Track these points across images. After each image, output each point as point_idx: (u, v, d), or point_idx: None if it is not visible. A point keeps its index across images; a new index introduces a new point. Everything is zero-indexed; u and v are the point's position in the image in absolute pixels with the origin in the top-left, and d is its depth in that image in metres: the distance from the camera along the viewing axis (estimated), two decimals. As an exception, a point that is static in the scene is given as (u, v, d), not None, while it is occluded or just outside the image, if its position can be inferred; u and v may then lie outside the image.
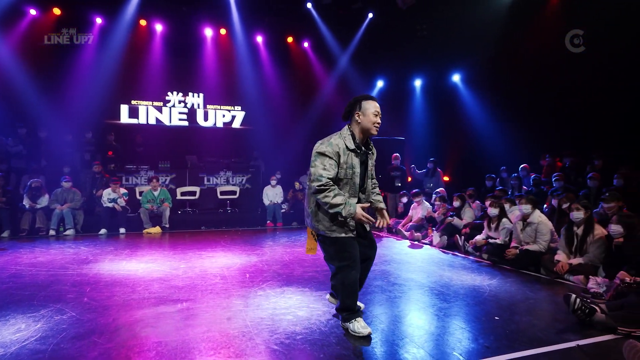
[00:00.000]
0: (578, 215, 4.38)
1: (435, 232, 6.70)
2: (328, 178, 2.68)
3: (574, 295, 3.05)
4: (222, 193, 9.60)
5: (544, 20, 8.52)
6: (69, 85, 9.73)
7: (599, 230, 4.32)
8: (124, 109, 10.56)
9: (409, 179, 10.03)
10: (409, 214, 7.85)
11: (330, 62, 11.88)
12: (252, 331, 2.88)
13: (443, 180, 9.47)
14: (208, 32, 11.03)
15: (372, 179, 3.09)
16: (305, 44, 11.92)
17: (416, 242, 6.96)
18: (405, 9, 9.57)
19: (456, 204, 6.82)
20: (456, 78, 10.80)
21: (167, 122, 10.96)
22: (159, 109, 10.90)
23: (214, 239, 7.20)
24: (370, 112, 2.81)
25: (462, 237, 6.16)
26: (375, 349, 2.62)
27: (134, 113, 10.66)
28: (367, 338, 2.75)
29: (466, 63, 10.36)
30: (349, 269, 2.80)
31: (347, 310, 2.87)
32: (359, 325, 2.81)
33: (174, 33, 10.69)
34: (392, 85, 12.26)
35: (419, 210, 7.60)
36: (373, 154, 3.02)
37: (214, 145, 10.88)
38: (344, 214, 2.67)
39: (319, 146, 2.79)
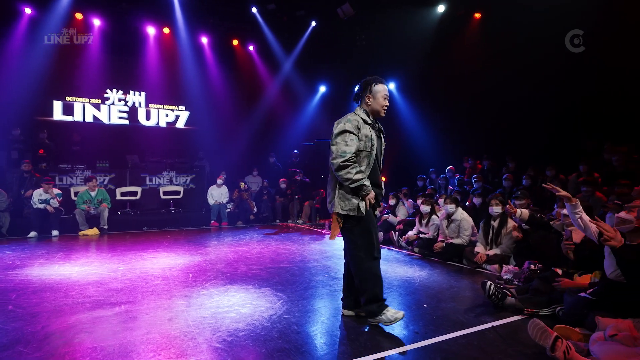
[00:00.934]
0: (497, 209, 4.76)
1: (372, 228, 6.91)
2: (351, 154, 2.66)
3: (489, 282, 3.31)
4: (165, 193, 9.14)
5: (468, 36, 9.18)
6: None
7: (511, 224, 4.73)
8: (57, 105, 9.66)
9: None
10: (349, 212, 8.01)
11: (275, 66, 11.81)
12: (194, 331, 2.77)
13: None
14: (150, 30, 10.44)
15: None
16: (251, 47, 11.72)
17: (355, 238, 7.12)
18: (345, 19, 9.77)
19: (391, 202, 7.10)
20: (392, 86, 11.24)
21: (105, 121, 10.20)
22: (97, 107, 10.12)
23: (157, 239, 6.84)
24: (380, 95, 2.84)
25: (397, 232, 6.43)
26: (315, 341, 2.65)
27: (68, 110, 9.80)
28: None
29: (400, 73, 10.83)
30: (372, 258, 2.81)
31: (376, 300, 2.80)
32: (390, 313, 2.76)
33: (114, 29, 9.97)
34: (334, 91, 12.48)
35: (358, 208, 7.78)
36: (382, 133, 2.99)
37: (156, 145, 10.32)
38: (366, 184, 2.70)
39: (338, 125, 2.76)
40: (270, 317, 3.07)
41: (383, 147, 2.98)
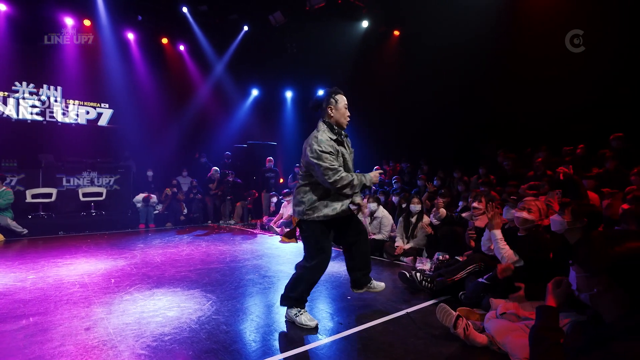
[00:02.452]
0: (417, 207, 5.09)
1: (302, 227, 6.96)
2: (340, 168, 2.64)
3: (405, 271, 3.54)
4: (85, 195, 8.25)
5: (388, 50, 9.71)
6: None
7: (427, 219, 5.09)
8: (-48, 97, 8.23)
9: (281, 180, 10.24)
10: (280, 211, 8.00)
11: (206, 68, 11.32)
12: (115, 339, 2.54)
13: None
14: (68, 20, 9.36)
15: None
16: (181, 47, 11.10)
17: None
18: (277, 27, 9.73)
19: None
20: (320, 93, 11.45)
21: (13, 116, 8.92)
22: (3, 100, 8.81)
23: (75, 244, 6.15)
24: (342, 105, 2.80)
25: (325, 230, 6.54)
26: (244, 339, 2.59)
27: (-34, 103, 8.39)
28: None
29: (328, 80, 11.08)
30: (319, 268, 2.75)
31: (299, 301, 2.81)
32: (305, 318, 2.77)
33: (24, 16, 8.75)
34: (266, 94, 12.36)
35: (289, 208, 7.80)
36: (348, 139, 2.94)
37: (75, 144, 9.29)
38: (368, 184, 2.72)
39: (317, 147, 2.63)
40: (198, 318, 2.93)
41: (352, 155, 2.95)
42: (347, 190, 2.65)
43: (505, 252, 2.93)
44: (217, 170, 9.40)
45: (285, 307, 2.89)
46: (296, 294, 2.80)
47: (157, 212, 8.47)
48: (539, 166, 5.62)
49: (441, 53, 8.15)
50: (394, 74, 9.38)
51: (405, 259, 4.96)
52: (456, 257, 3.88)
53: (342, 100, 2.83)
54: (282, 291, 3.60)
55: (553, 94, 6.76)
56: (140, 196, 8.27)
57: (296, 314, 2.80)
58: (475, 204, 4.40)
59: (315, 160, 2.62)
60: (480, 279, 3.03)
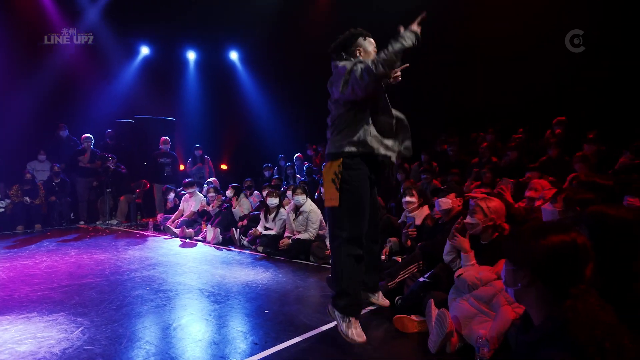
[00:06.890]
0: None
1: (209, 226, 6.81)
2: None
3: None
4: None
5: (319, 9, 9.83)
6: None
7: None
8: None
9: (182, 167, 9.85)
10: (180, 207, 7.73)
11: (73, 14, 10.25)
12: None
13: (219, 169, 9.70)
14: None
15: None
16: (36, -17, 9.94)
17: (188, 240, 6.91)
18: (175, -34, 9.23)
19: (229, 193, 7.13)
20: (234, 56, 11.19)
21: None
22: None
23: None
24: (372, 49, 2.90)
25: (239, 230, 6.49)
26: (129, 373, 2.47)
27: None
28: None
29: (244, 41, 10.87)
30: (355, 243, 2.65)
31: (352, 302, 2.67)
32: (354, 332, 2.61)
33: None
34: (161, 54, 11.67)
35: (192, 203, 7.57)
36: None
37: None
38: (407, 44, 2.62)
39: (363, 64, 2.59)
40: (63, 351, 2.72)
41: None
42: (388, 61, 2.62)
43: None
44: (90, 137, 8.77)
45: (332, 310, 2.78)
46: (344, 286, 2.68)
47: (2, 210, 7.63)
48: (484, 152, 6.20)
49: (381, 18, 8.45)
50: (325, 38, 9.50)
51: (336, 262, 5.13)
52: (393, 258, 4.13)
53: (371, 43, 2.96)
54: (181, 308, 3.50)
55: (501, 80, 7.49)
56: None
57: (344, 319, 2.66)
58: (407, 198, 4.70)
59: (352, 66, 2.66)
60: (421, 278, 3.27)
